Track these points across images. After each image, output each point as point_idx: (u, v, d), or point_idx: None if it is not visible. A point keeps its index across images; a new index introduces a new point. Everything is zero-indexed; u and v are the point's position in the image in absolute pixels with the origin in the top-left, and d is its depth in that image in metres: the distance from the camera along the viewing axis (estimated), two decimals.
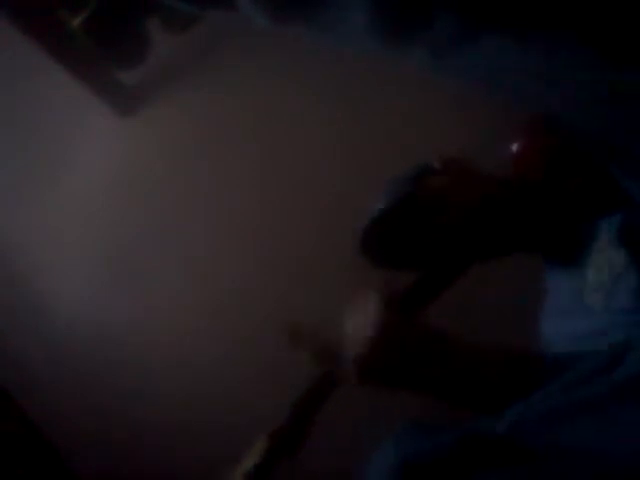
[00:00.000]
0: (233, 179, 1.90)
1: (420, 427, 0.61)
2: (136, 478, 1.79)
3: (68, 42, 1.81)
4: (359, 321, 0.78)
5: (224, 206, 1.90)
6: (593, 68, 0.46)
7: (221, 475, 0.81)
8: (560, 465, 0.55)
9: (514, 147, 1.01)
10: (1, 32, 1.79)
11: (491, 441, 0.58)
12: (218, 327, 1.81)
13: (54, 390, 1.91)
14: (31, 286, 2.05)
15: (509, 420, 0.62)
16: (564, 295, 0.94)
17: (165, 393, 1.84)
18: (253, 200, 1.87)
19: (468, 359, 0.77)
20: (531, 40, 0.46)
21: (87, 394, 1.89)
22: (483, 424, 0.64)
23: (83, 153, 2.07)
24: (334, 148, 1.80)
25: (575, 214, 0.93)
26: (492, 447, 0.57)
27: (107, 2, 1.80)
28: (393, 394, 0.78)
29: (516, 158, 1.02)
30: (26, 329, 2.00)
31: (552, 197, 0.95)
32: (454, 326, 0.80)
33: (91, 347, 1.94)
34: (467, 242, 0.95)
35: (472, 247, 0.96)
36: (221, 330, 1.81)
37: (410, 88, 1.56)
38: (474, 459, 0.56)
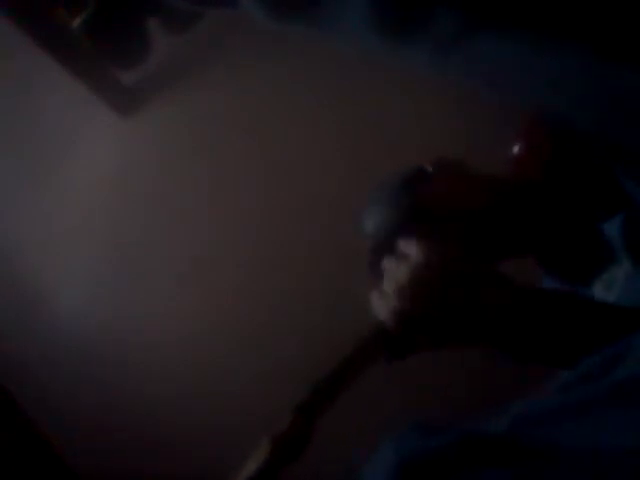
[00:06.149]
0: (233, 179, 1.90)
1: (420, 427, 0.60)
2: (136, 478, 1.79)
3: (68, 42, 1.81)
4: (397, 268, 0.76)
5: (224, 206, 1.90)
6: (594, 67, 0.46)
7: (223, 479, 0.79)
8: (559, 465, 0.55)
9: (514, 148, 1.01)
10: (1, 33, 1.79)
11: (491, 441, 0.58)
12: (218, 327, 1.81)
13: (54, 390, 1.91)
14: (31, 286, 2.04)
15: (509, 420, 0.62)
16: None
17: (165, 393, 1.84)
18: (253, 200, 1.87)
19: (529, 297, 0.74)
20: (531, 38, 0.46)
21: (87, 394, 1.89)
22: (483, 424, 0.64)
23: (83, 153, 2.07)
24: (334, 148, 1.80)
25: (576, 215, 0.93)
26: (492, 447, 0.57)
27: (107, 2, 1.80)
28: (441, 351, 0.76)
29: (516, 159, 1.01)
30: (26, 329, 2.00)
31: (553, 198, 0.94)
32: None
33: (91, 347, 1.93)
34: (469, 248, 0.94)
35: (473, 252, 0.95)
36: (221, 330, 1.81)
37: (410, 88, 1.56)
38: (474, 459, 0.55)
